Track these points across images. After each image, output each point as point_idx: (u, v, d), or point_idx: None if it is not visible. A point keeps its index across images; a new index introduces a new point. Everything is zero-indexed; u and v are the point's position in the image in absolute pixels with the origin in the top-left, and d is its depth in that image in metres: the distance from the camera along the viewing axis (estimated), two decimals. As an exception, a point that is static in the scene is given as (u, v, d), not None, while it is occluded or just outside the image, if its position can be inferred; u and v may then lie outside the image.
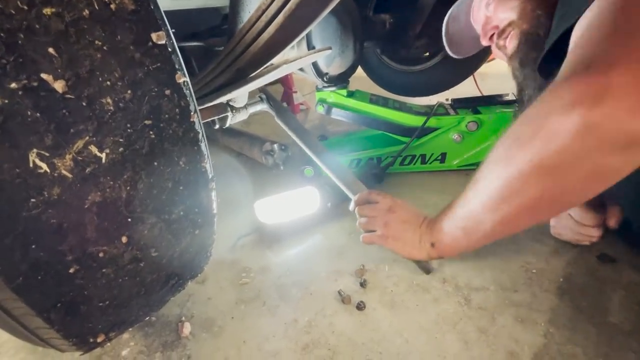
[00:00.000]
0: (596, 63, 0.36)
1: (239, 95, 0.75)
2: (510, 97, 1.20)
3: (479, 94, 1.83)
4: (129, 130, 0.33)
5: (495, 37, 0.75)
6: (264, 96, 0.93)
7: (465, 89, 1.72)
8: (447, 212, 0.57)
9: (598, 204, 0.72)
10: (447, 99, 1.88)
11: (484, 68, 1.69)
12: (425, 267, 0.75)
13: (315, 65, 1.11)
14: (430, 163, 1.20)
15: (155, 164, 0.37)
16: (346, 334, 0.68)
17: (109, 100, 0.31)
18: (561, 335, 0.63)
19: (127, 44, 0.32)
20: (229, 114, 0.83)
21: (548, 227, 0.87)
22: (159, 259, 0.43)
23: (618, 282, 0.73)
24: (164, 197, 0.39)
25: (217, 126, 0.84)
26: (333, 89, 1.21)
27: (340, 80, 1.21)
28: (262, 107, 0.93)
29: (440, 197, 1.11)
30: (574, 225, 0.75)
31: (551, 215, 0.70)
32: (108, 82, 0.31)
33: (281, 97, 2.11)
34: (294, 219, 1.01)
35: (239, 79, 0.60)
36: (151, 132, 0.35)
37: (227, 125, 0.86)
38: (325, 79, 1.18)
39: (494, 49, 0.78)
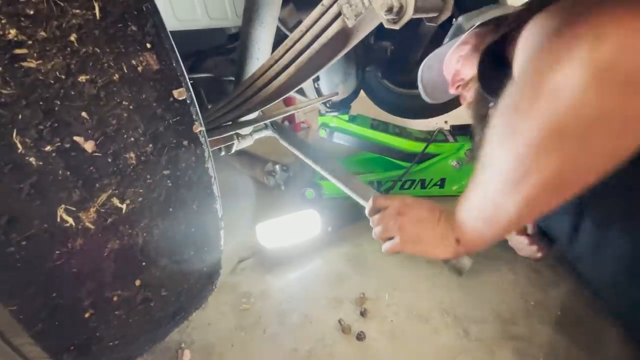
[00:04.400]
0: (575, 15, 0.31)
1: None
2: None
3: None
4: (148, 180, 0.35)
5: (460, 87, 0.85)
6: (268, 123, 0.95)
7: (464, 110, 1.76)
8: (463, 203, 0.51)
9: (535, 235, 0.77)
10: (445, 122, 1.92)
11: (482, 91, 1.73)
12: (456, 267, 0.64)
13: (318, 91, 1.15)
14: (429, 188, 1.23)
15: (171, 209, 0.38)
16: (347, 365, 0.68)
17: (132, 155, 0.33)
18: (559, 371, 0.64)
19: (151, 102, 0.34)
20: (235, 141, 0.85)
21: (545, 258, 0.89)
22: (169, 297, 0.44)
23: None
24: (177, 240, 0.41)
25: (222, 153, 0.86)
26: (335, 114, 1.24)
27: (343, 105, 1.25)
28: (267, 133, 0.96)
29: (439, 222, 1.13)
30: (519, 249, 0.79)
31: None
32: (132, 138, 0.33)
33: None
34: (295, 243, 1.02)
35: (248, 114, 0.62)
36: (169, 181, 0.37)
37: (233, 151, 0.88)
38: (328, 104, 1.21)
39: (461, 97, 0.88)
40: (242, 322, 0.83)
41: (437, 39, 1.42)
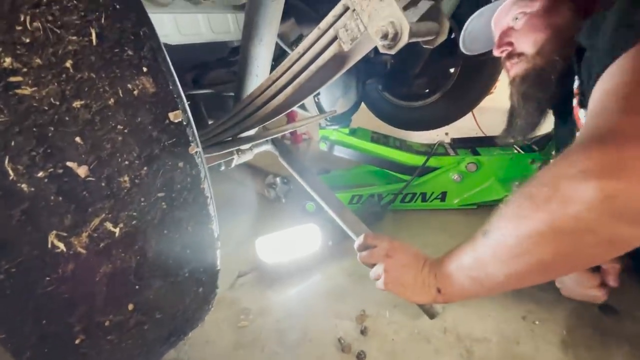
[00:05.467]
0: (611, 135, 0.37)
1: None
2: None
3: (476, 127, 1.88)
4: (142, 203, 0.35)
5: (506, 54, 0.74)
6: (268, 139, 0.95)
7: (465, 122, 1.76)
8: (453, 258, 0.55)
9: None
10: (446, 134, 1.92)
11: (483, 102, 1.74)
12: (429, 311, 0.71)
13: (319, 105, 1.15)
14: (430, 201, 1.22)
15: (165, 232, 0.38)
16: (346, 387, 0.67)
17: (126, 178, 0.33)
18: (566, 395, 0.62)
19: (146, 125, 0.34)
20: (235, 156, 0.85)
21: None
22: (163, 319, 0.44)
23: (621, 335, 0.72)
24: (171, 262, 0.40)
25: (222, 168, 0.86)
26: (336, 127, 1.25)
27: (343, 118, 1.25)
28: (267, 147, 0.96)
29: (441, 236, 1.11)
30: (576, 287, 0.74)
31: (563, 274, 0.67)
32: (127, 162, 0.33)
33: (284, 127, 2.15)
34: (295, 258, 1.01)
35: (247, 131, 0.62)
36: (163, 203, 0.37)
37: (233, 166, 0.88)
38: (328, 117, 1.21)
39: (505, 68, 0.77)
40: (241, 339, 0.81)
41: (436, 53, 1.44)
